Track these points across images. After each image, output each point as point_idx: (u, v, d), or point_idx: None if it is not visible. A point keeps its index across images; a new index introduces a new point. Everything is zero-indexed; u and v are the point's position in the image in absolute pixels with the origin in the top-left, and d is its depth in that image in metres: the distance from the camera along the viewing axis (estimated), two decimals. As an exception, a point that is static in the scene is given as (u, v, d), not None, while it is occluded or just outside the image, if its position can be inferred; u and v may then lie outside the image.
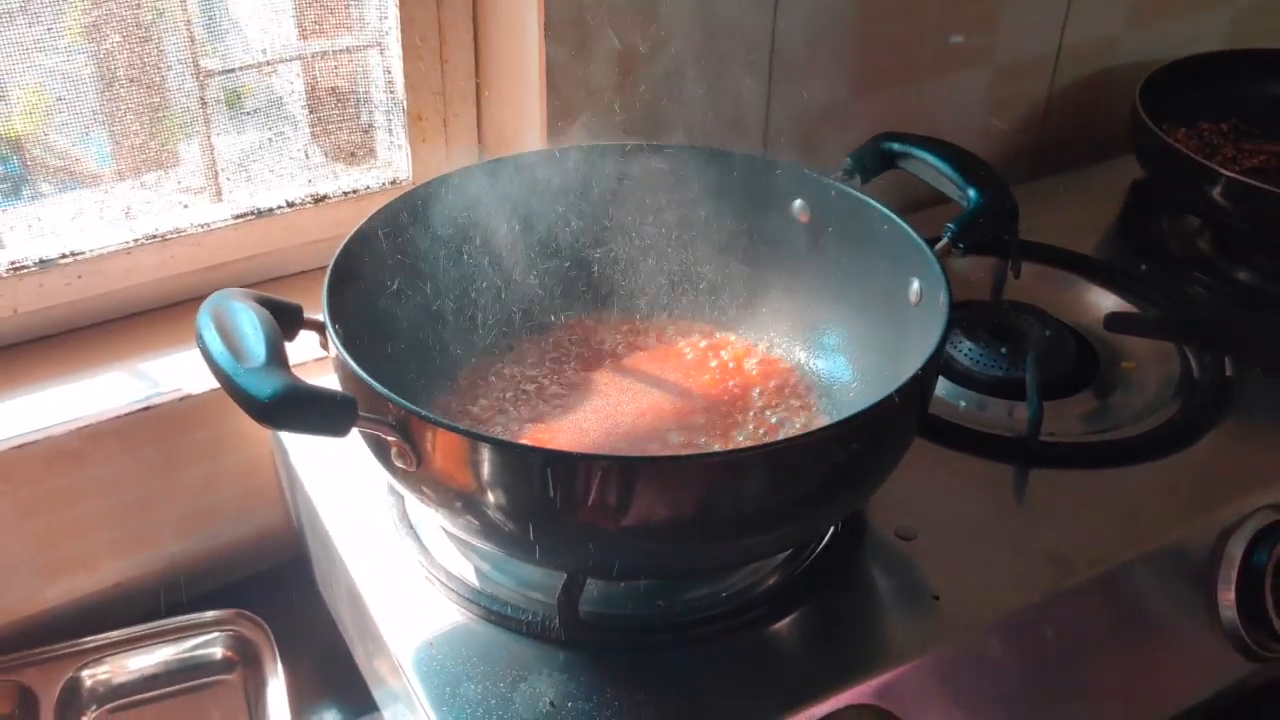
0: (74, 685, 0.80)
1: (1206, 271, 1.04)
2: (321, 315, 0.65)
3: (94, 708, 0.80)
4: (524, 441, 0.73)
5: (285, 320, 0.63)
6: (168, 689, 0.82)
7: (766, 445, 0.65)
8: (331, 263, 0.69)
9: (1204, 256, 1.07)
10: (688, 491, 0.59)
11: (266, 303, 0.62)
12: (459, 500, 0.61)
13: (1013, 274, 0.96)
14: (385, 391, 0.58)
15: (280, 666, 0.80)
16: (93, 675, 0.81)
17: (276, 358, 0.56)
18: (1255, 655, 0.77)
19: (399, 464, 0.60)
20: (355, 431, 0.59)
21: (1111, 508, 0.78)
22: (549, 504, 0.59)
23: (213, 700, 0.82)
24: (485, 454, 0.58)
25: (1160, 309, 0.97)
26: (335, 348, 0.62)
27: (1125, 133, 1.08)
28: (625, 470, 0.58)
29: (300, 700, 0.82)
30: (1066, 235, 1.05)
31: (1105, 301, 0.99)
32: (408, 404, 0.58)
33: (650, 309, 0.86)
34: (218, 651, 0.83)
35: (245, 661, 0.83)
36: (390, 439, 0.59)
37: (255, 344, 0.57)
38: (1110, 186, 1.15)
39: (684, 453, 0.72)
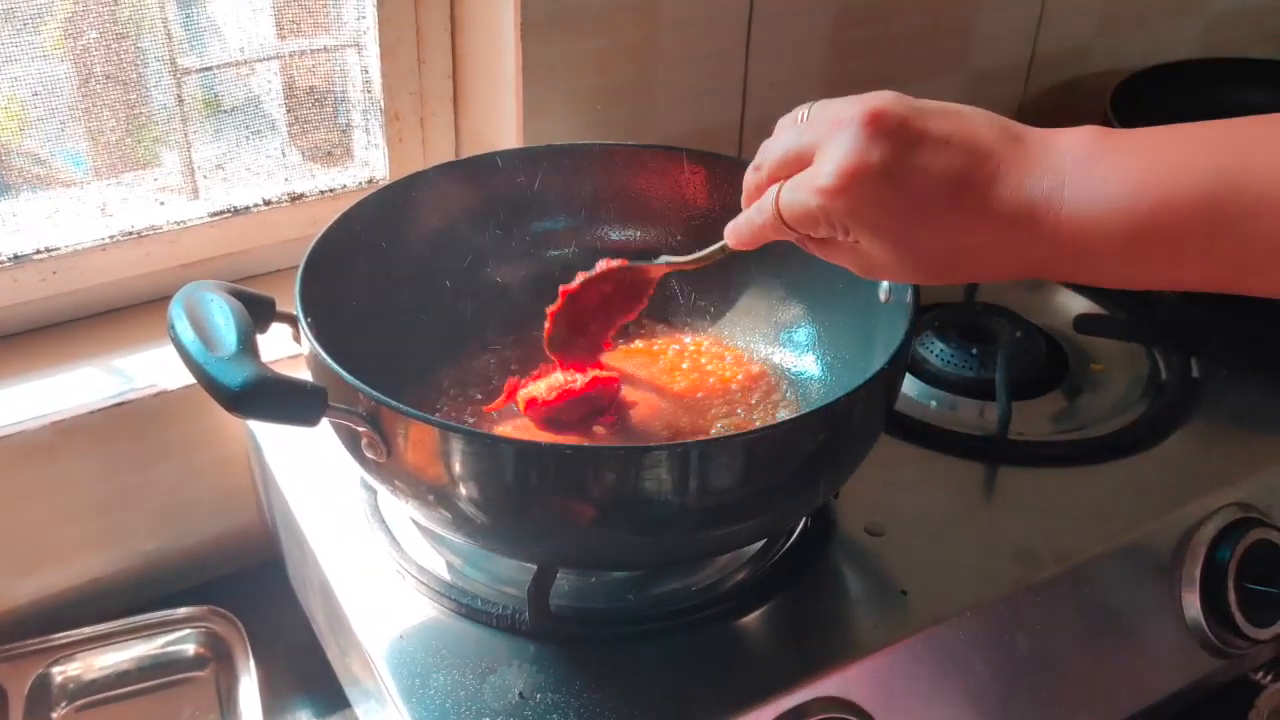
0: (44, 682, 0.79)
1: (1175, 276, 1.04)
2: (294, 309, 0.65)
3: (64, 704, 0.80)
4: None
5: (257, 312, 0.63)
6: (139, 686, 0.82)
7: (734, 435, 0.66)
8: (305, 255, 0.69)
9: (1173, 261, 1.08)
10: (656, 482, 0.59)
11: (239, 294, 0.62)
12: (430, 492, 0.61)
13: (984, 276, 0.96)
14: (355, 382, 0.59)
15: (253, 664, 0.80)
16: (63, 672, 0.80)
17: (248, 347, 0.57)
18: (1219, 652, 0.78)
19: (369, 455, 0.60)
20: (328, 424, 0.60)
21: (1079, 505, 0.79)
22: (519, 495, 0.60)
23: (184, 697, 0.81)
24: (456, 445, 0.58)
25: (1129, 312, 0.98)
26: (307, 339, 0.63)
27: (1097, 139, 1.09)
28: (593, 461, 0.59)
29: (272, 698, 0.82)
30: (1038, 239, 1.06)
31: (1075, 304, 1.00)
32: (378, 395, 0.58)
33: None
34: (190, 648, 0.83)
35: (218, 658, 0.82)
36: (361, 430, 0.59)
37: (226, 333, 0.57)
38: (1082, 192, 1.16)
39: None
